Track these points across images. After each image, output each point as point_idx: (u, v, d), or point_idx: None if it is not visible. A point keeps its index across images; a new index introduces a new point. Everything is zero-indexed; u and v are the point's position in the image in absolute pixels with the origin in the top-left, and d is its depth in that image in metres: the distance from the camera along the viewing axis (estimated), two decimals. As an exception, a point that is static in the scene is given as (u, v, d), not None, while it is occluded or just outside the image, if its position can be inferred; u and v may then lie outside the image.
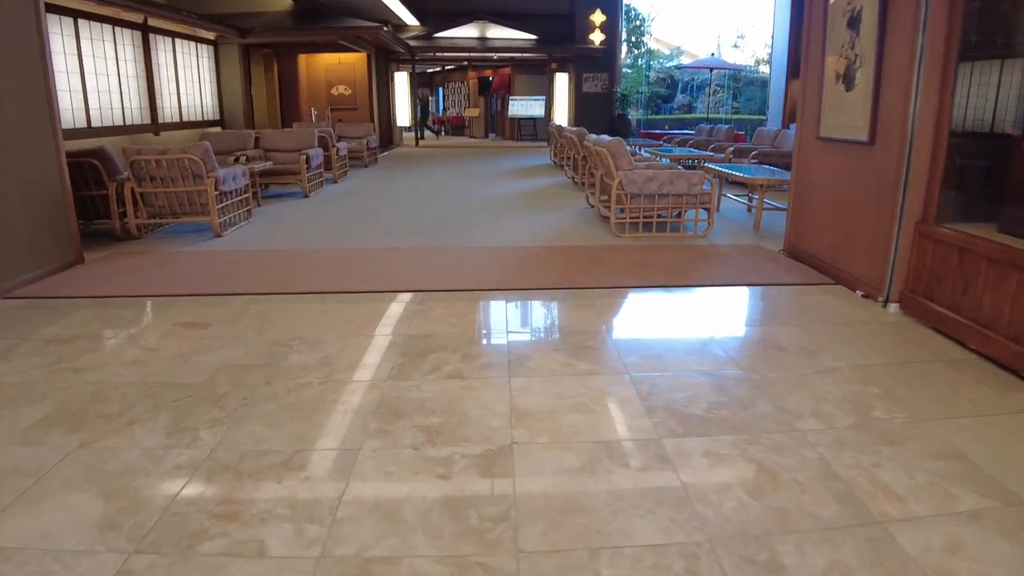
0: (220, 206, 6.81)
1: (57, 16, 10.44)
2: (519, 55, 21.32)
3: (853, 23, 5.02)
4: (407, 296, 4.69)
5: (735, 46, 32.81)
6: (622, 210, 6.83)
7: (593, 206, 8.55)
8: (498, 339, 3.86)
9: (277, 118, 18.43)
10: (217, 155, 10.03)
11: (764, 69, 31.09)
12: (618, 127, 19.62)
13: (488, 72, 25.79)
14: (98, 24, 11.45)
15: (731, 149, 11.43)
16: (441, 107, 33.67)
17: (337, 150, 11.08)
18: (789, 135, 11.60)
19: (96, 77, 11.42)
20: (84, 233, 7.08)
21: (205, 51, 15.01)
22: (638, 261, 5.70)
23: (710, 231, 6.99)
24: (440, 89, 33.20)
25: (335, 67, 19.08)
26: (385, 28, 15.38)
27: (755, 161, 10.59)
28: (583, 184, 10.33)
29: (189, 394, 3.12)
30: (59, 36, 10.48)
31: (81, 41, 10.98)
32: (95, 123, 11.31)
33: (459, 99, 28.78)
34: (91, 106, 11.23)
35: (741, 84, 30.30)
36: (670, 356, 3.60)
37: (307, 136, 9.86)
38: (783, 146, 11.46)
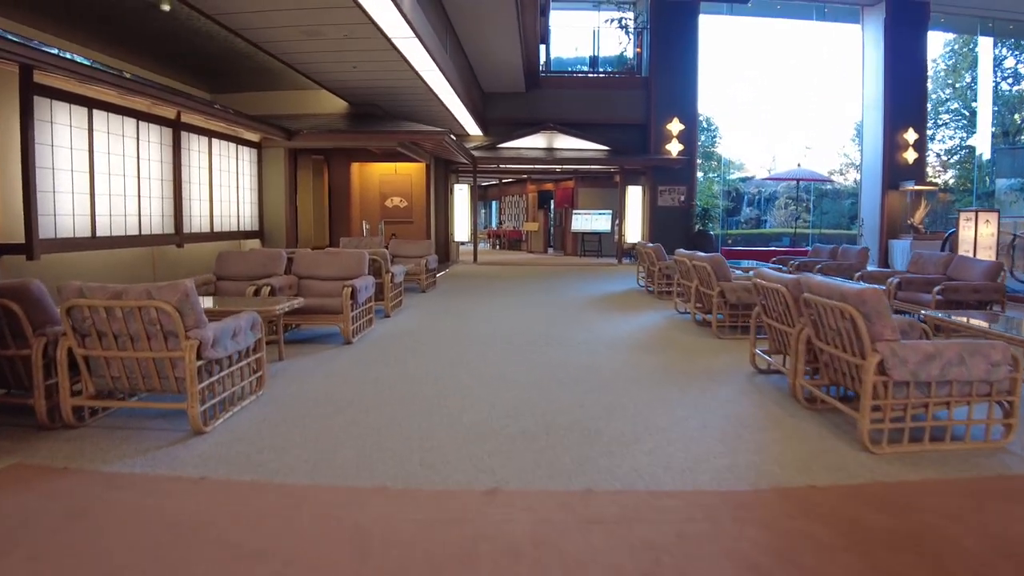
0: (205, 383, 4.05)
1: (66, 104, 8.23)
2: (587, 167, 19.03)
3: None
4: None
5: (804, 156, 30.40)
6: (878, 407, 3.88)
7: (767, 371, 5.63)
8: None
9: (325, 231, 16.13)
10: (234, 281, 7.44)
11: (838, 179, 28.60)
12: (699, 244, 16.92)
13: (549, 185, 23.61)
14: (119, 117, 9.25)
15: (894, 282, 8.50)
16: (495, 220, 31.68)
17: (392, 276, 8.43)
18: (973, 262, 8.65)
19: (110, 178, 9.14)
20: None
21: (247, 154, 12.84)
22: (1002, 554, 2.71)
23: (1010, 438, 3.99)
24: (494, 203, 31.29)
25: (391, 177, 16.92)
26: (452, 136, 13.14)
27: (940, 298, 7.67)
28: (713, 324, 7.44)
29: None
30: (66, 128, 8.23)
31: (94, 135, 8.74)
32: (101, 231, 8.95)
33: (517, 213, 26.62)
34: (98, 211, 8.88)
35: (812, 196, 27.73)
36: None
37: (355, 262, 7.21)
38: (963, 275, 8.46)
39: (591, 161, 18.03)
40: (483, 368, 5.70)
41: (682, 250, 9.06)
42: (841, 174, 27.96)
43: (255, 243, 13.30)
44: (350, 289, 6.54)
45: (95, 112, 8.71)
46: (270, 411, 4.45)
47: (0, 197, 7.66)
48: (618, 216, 19.15)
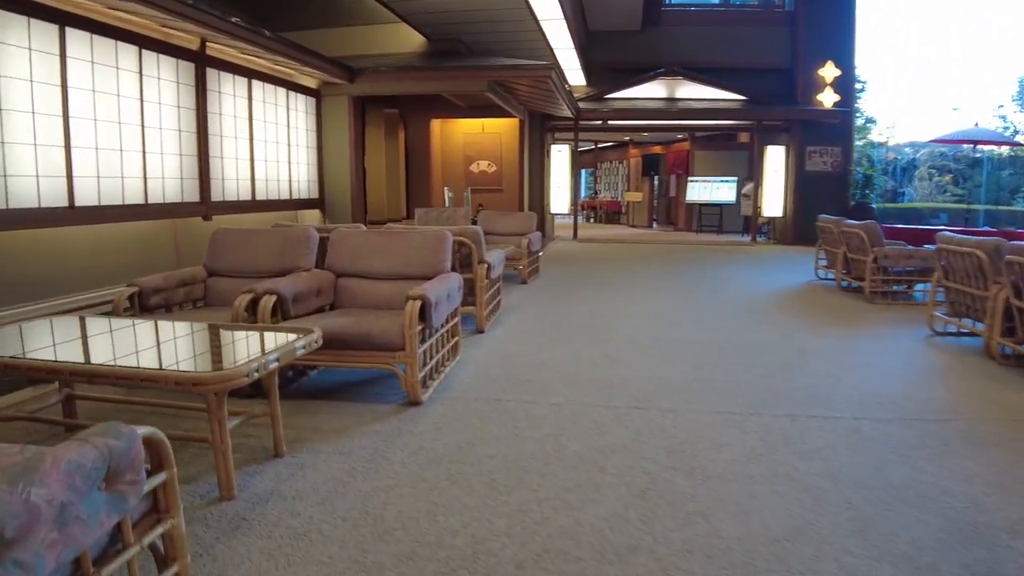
0: None
1: (21, 17, 5.41)
2: (718, 122, 15.33)
3: None
4: None
5: (947, 119, 25.55)
6: None
7: None
8: None
9: (400, 200, 13.14)
10: (232, 278, 4.25)
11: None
12: (859, 219, 13.10)
13: (657, 148, 19.96)
14: (109, 41, 6.38)
15: None
16: (585, 190, 28.22)
17: (488, 269, 5.24)
18: None
19: (95, 125, 6.29)
20: None
21: (302, 103, 9.88)
22: None
23: None
24: (584, 172, 27.80)
25: (477, 137, 13.78)
26: (560, 73, 9.82)
27: None
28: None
29: None
30: (23, 51, 5.41)
31: (69, 63, 5.89)
32: (84, 199, 6.14)
33: (615, 181, 23.12)
34: (76, 172, 6.05)
35: (963, 166, 23.05)
36: None
37: (430, 251, 4.05)
38: None
39: (722, 115, 14.33)
40: (712, 512, 2.48)
41: (948, 232, 5.58)
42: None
43: (314, 214, 10.44)
44: (419, 304, 3.40)
45: (70, 32, 5.82)
46: None
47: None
48: (746, 183, 15.49)
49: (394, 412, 3.42)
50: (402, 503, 2.46)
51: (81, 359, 2.50)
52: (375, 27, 11.11)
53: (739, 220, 16.51)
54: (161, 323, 3.16)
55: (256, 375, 2.36)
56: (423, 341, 3.51)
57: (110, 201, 6.35)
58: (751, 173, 15.50)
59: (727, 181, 16.76)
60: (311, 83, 9.89)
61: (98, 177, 6.22)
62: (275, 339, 2.75)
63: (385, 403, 3.58)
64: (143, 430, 1.65)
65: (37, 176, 5.60)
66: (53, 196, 5.74)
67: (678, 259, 11.04)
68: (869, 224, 7.32)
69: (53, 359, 2.50)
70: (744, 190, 15.97)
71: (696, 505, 2.48)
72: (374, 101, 11.81)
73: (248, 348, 2.69)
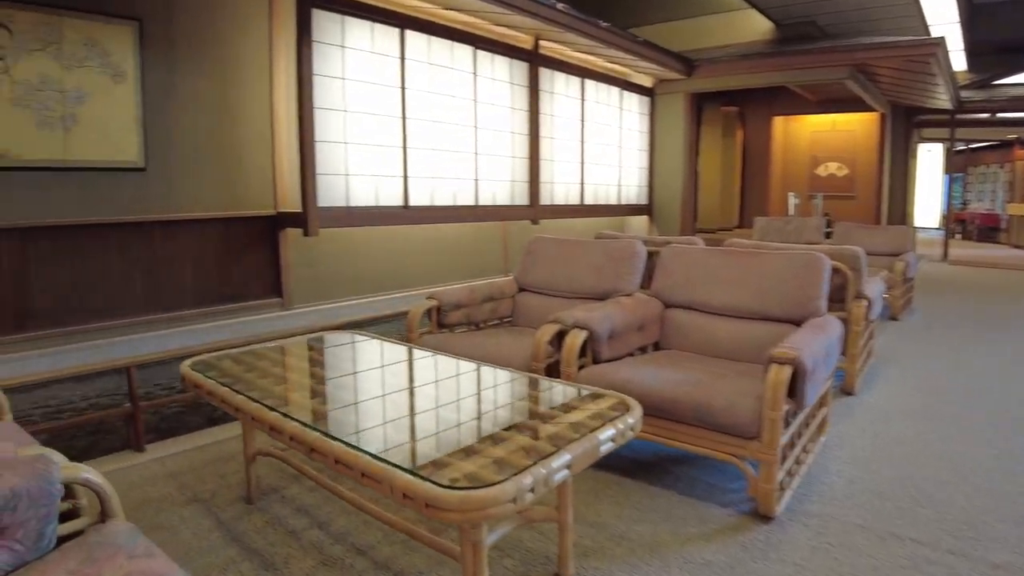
0: None
1: (364, 22, 5.43)
2: None
3: None
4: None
5: None
6: None
7: None
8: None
9: (733, 207, 11.66)
10: (548, 296, 3.13)
11: None
12: None
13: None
14: (446, 42, 6.24)
15: None
16: (948, 199, 23.29)
17: (868, 306, 3.71)
18: None
19: (430, 125, 6.19)
20: None
21: (635, 103, 9.05)
22: None
23: None
24: (945, 177, 22.96)
25: (825, 135, 11.70)
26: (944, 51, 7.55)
27: None
28: None
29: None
30: (365, 55, 5.42)
31: (407, 65, 5.81)
32: (417, 199, 6.05)
33: (991, 189, 18.57)
34: (410, 172, 5.97)
35: None
36: None
37: (799, 282, 2.72)
38: None
39: None
40: None
41: None
42: None
43: (641, 220, 9.59)
44: (788, 371, 2.19)
45: (409, 34, 5.67)
46: None
47: (284, 150, 5.03)
48: None
49: (732, 527, 2.23)
50: None
51: (306, 418, 1.79)
52: (713, 17, 9.82)
53: None
54: (440, 360, 2.40)
55: (530, 496, 1.40)
56: (787, 425, 2.28)
57: (442, 202, 6.14)
58: None
59: None
60: (645, 81, 9.00)
61: (432, 177, 6.03)
62: (572, 421, 1.78)
63: (718, 504, 2.40)
64: None
65: (376, 176, 5.52)
66: (389, 195, 5.64)
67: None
68: None
69: (271, 409, 1.84)
70: None
71: None
72: (711, 98, 10.56)
73: (533, 431, 1.76)
